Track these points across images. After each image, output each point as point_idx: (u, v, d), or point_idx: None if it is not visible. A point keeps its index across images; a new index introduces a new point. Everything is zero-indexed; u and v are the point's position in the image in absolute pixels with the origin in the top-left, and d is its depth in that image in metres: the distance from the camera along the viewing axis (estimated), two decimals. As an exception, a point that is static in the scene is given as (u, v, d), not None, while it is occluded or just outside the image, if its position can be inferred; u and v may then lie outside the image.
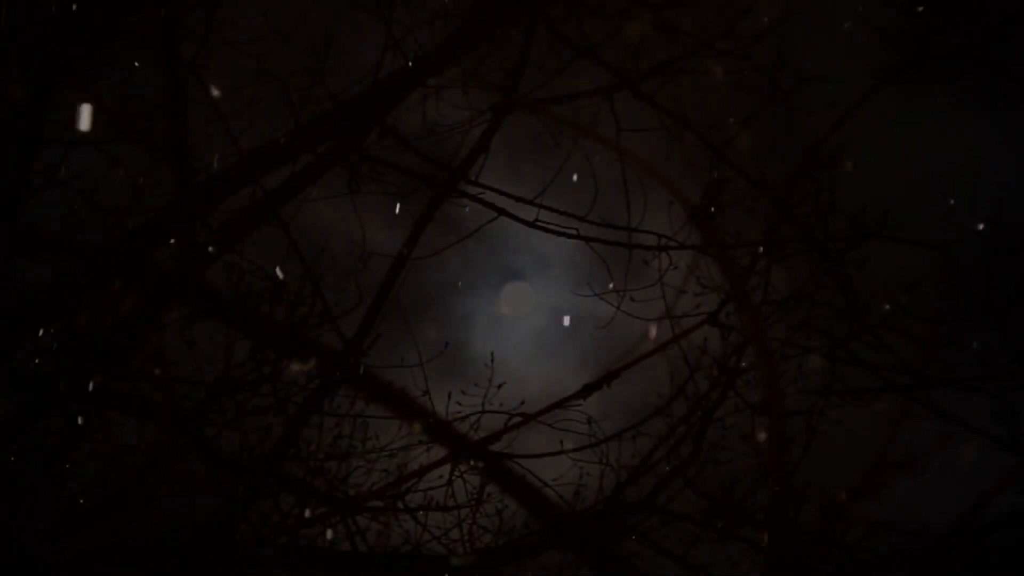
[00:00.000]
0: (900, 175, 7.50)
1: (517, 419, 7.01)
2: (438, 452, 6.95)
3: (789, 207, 7.16)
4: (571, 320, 7.64)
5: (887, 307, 7.21)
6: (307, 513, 6.66)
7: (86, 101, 6.10)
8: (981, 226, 6.67)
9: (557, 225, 7.04)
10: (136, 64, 6.56)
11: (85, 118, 5.86)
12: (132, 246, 5.95)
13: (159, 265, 6.20)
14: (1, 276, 5.67)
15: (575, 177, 7.17)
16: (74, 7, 5.59)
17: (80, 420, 6.32)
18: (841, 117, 7.30)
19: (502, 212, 6.97)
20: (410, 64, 6.50)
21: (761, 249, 7.20)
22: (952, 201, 7.29)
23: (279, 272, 6.58)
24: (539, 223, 7.02)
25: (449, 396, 7.15)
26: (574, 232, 7.06)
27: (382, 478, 7.07)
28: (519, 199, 6.99)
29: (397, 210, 7.09)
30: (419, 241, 6.75)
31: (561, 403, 7.10)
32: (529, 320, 8.57)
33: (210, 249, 6.13)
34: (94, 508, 6.34)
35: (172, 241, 6.09)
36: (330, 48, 6.72)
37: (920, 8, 6.80)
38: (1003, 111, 6.99)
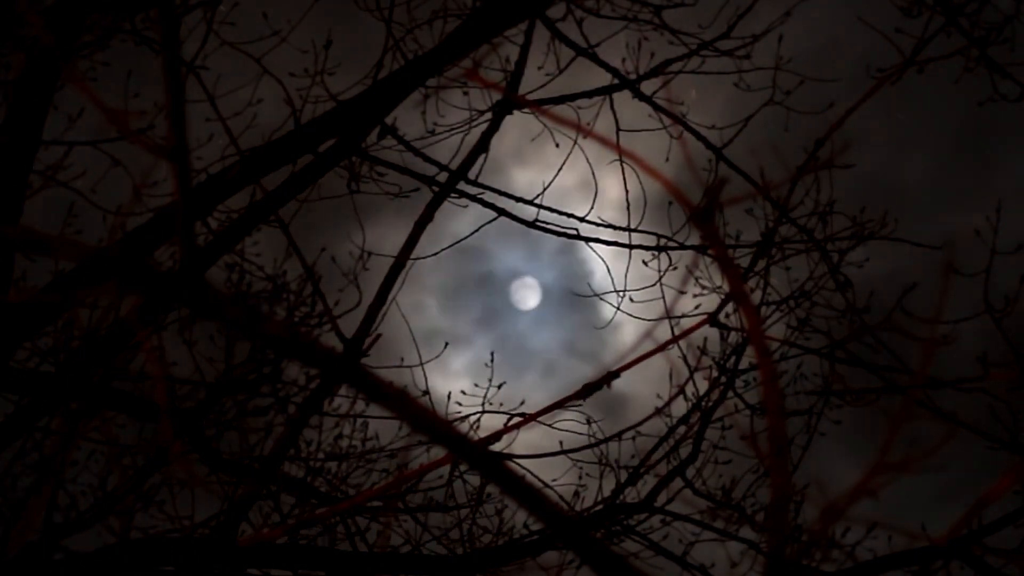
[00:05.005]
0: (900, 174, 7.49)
1: (517, 419, 7.00)
2: (438, 452, 6.94)
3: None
4: (571, 319, 7.64)
5: (887, 307, 7.20)
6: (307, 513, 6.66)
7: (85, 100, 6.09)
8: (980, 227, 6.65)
9: (557, 225, 7.04)
10: (136, 64, 6.55)
11: None
12: (132, 246, 5.94)
13: (159, 265, 6.19)
14: (1, 276, 5.67)
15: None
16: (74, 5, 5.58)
17: (80, 420, 6.31)
18: (841, 117, 7.28)
19: (502, 212, 6.98)
20: (410, 64, 6.49)
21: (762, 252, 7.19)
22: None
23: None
24: (539, 223, 7.03)
25: (449, 396, 7.16)
26: (574, 232, 7.07)
27: (382, 478, 7.08)
28: (519, 199, 6.99)
29: (397, 210, 7.09)
30: (419, 241, 6.75)
31: (561, 403, 7.09)
32: (531, 319, 8.56)
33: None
34: (94, 508, 6.33)
35: (172, 241, 6.09)
36: (330, 48, 6.71)
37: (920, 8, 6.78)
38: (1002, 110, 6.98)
